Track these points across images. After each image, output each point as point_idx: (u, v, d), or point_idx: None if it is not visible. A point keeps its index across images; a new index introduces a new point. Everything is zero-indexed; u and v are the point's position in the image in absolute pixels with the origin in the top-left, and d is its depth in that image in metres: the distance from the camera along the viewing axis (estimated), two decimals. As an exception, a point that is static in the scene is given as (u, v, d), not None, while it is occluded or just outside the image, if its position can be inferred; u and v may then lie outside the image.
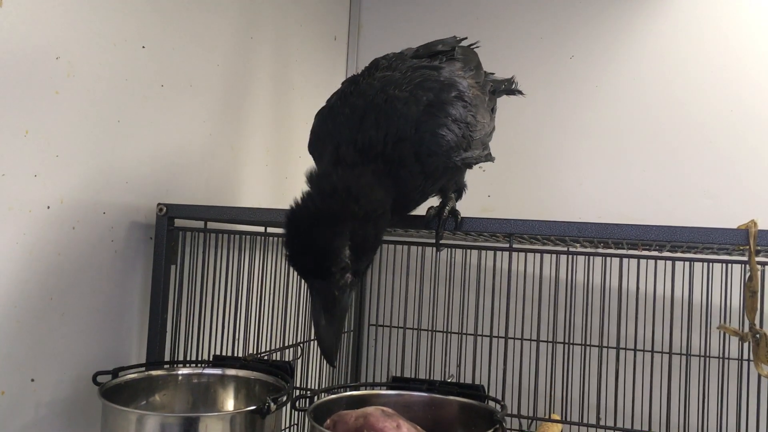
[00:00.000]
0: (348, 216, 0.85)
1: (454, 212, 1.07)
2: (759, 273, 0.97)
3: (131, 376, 1.08)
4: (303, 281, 0.93)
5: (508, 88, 1.33)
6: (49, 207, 1.07)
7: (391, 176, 0.93)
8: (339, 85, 1.11)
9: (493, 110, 1.19)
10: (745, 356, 1.08)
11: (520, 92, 1.35)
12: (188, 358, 1.25)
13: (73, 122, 1.11)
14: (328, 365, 1.04)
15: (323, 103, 1.09)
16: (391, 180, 0.93)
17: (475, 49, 1.24)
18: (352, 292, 0.90)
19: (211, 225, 1.28)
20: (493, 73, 1.29)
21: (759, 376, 1.00)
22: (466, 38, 1.23)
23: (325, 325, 0.87)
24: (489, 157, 1.13)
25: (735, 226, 0.98)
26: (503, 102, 1.90)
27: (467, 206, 1.17)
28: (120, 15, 1.19)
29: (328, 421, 0.96)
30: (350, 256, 0.86)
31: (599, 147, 1.88)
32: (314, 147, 1.04)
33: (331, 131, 0.98)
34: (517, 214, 1.70)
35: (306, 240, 0.85)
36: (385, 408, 0.99)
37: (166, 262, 1.24)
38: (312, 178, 0.91)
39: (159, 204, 1.24)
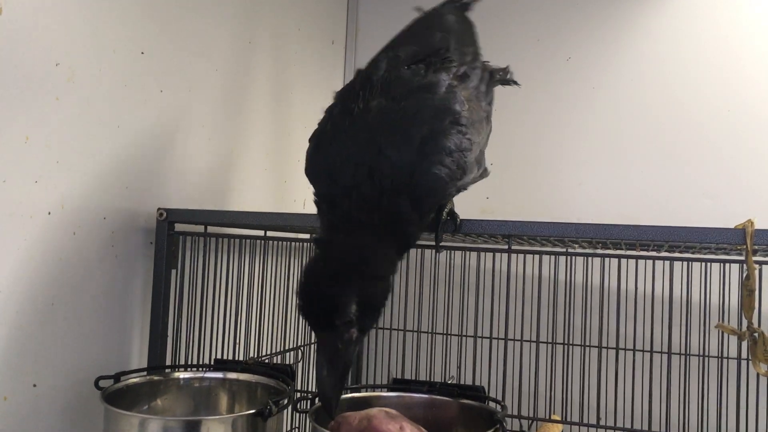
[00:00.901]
0: (356, 275, 0.89)
1: (452, 214, 1.08)
2: (756, 272, 0.98)
3: (133, 380, 1.08)
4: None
5: (503, 78, 1.30)
6: (50, 213, 1.08)
7: (388, 228, 0.94)
8: (338, 88, 1.10)
9: (490, 103, 1.16)
10: (744, 355, 1.09)
11: (515, 82, 1.33)
12: (189, 363, 1.26)
13: (74, 128, 1.11)
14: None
15: (322, 106, 1.09)
16: (389, 231, 0.94)
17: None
18: (357, 348, 0.92)
19: (212, 229, 1.29)
20: (488, 62, 1.28)
21: (757, 374, 1.00)
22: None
23: (326, 376, 0.89)
24: (484, 174, 1.13)
25: (733, 226, 0.99)
26: (502, 105, 1.91)
27: (466, 208, 1.18)
28: (119, 21, 1.20)
29: (332, 423, 0.96)
30: (356, 312, 0.88)
31: (598, 148, 1.89)
32: (310, 174, 1.03)
33: (326, 171, 0.98)
34: (516, 215, 1.70)
35: (315, 293, 0.89)
36: (388, 409, 0.99)
37: (167, 266, 1.25)
38: (320, 245, 0.95)
39: (159, 209, 1.24)
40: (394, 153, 0.93)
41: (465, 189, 1.07)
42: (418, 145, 0.94)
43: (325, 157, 0.99)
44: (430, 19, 1.16)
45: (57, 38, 1.08)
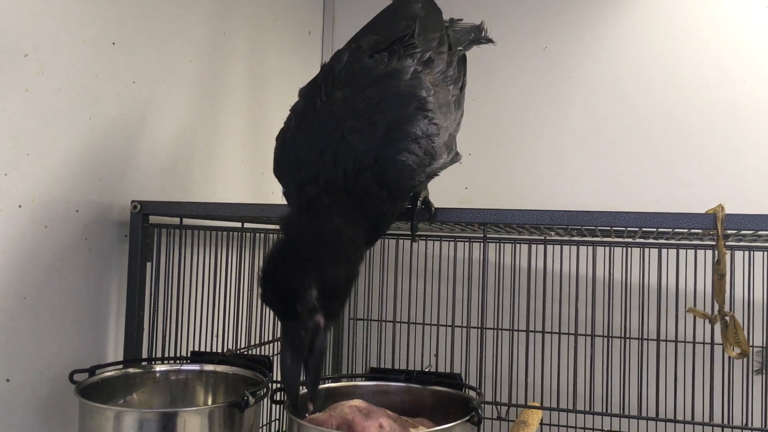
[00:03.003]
0: (316, 259, 0.86)
1: (427, 203, 1.08)
2: (727, 257, 0.99)
3: (108, 373, 1.08)
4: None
5: (477, 37, 1.29)
6: (20, 206, 1.06)
7: (358, 209, 0.93)
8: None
9: (461, 89, 1.15)
10: (715, 340, 1.10)
11: (490, 40, 1.31)
12: (166, 356, 1.25)
13: (44, 120, 1.10)
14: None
15: (298, 99, 1.08)
16: (359, 212, 0.93)
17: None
18: (325, 335, 0.89)
19: (187, 221, 1.28)
20: (461, 19, 1.25)
21: (729, 357, 1.02)
22: None
23: (290, 365, 0.86)
24: (456, 158, 1.12)
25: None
26: (480, 95, 1.91)
27: (445, 198, 1.18)
28: (89, 11, 1.18)
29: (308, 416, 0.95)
30: (318, 298, 0.85)
31: (575, 137, 1.90)
32: (278, 173, 1.02)
33: (293, 162, 0.97)
34: (495, 205, 1.71)
35: (275, 279, 0.86)
36: (362, 405, 0.98)
37: (142, 259, 1.24)
38: (283, 225, 0.92)
39: (133, 201, 1.23)
40: (357, 139, 0.93)
41: (436, 174, 1.07)
42: (384, 131, 0.94)
43: (290, 152, 0.98)
44: (395, 8, 1.15)
45: (25, 28, 1.06)
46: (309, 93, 1.02)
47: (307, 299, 0.84)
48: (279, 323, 0.90)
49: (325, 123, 0.96)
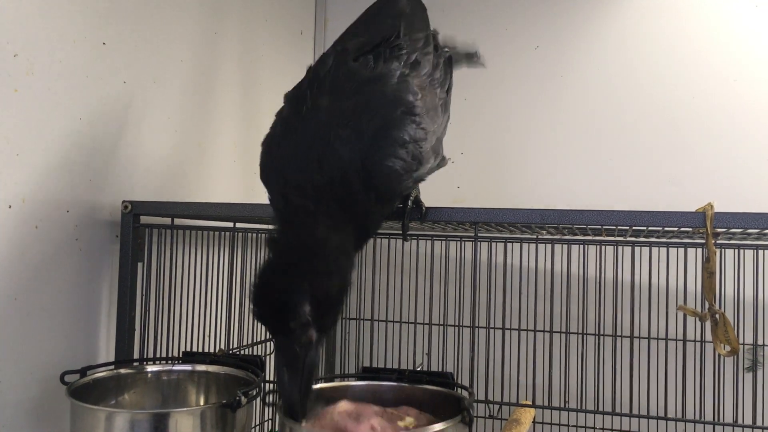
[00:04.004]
0: (307, 272, 0.85)
1: (418, 202, 1.08)
2: (716, 254, 1.00)
3: (100, 374, 1.07)
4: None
5: (470, 59, 1.28)
6: (10, 206, 1.06)
7: (346, 215, 0.91)
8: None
9: (447, 91, 1.14)
10: (705, 338, 1.11)
11: (481, 64, 1.30)
12: (158, 356, 1.25)
13: (34, 120, 1.09)
14: None
15: (284, 104, 1.07)
16: (347, 218, 0.91)
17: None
18: (318, 349, 0.89)
19: (179, 221, 1.28)
20: (446, 48, 1.23)
21: (718, 355, 1.02)
22: None
23: (288, 382, 0.86)
24: (442, 163, 1.10)
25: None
26: (472, 94, 1.91)
27: (437, 198, 1.18)
28: (79, 11, 1.18)
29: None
30: (311, 313, 0.84)
31: (566, 137, 1.91)
32: (264, 177, 1.01)
33: (279, 169, 0.95)
34: (487, 205, 1.72)
35: (267, 295, 0.85)
36: (349, 409, 0.98)
37: (133, 259, 1.23)
38: (271, 238, 0.90)
39: (124, 201, 1.23)
40: (344, 145, 0.91)
41: (423, 179, 1.06)
42: (371, 137, 0.92)
43: (276, 159, 0.96)
44: (381, 5, 1.12)
45: (15, 28, 1.05)
46: (294, 99, 1.01)
47: (300, 315, 0.83)
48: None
49: (311, 130, 0.94)
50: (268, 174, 0.98)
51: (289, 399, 0.86)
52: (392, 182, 0.94)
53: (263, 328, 1.49)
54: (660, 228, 1.06)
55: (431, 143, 1.00)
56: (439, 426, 0.86)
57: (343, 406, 0.99)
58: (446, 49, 1.18)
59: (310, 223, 0.89)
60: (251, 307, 0.86)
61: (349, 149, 0.91)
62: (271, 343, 1.51)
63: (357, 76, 0.97)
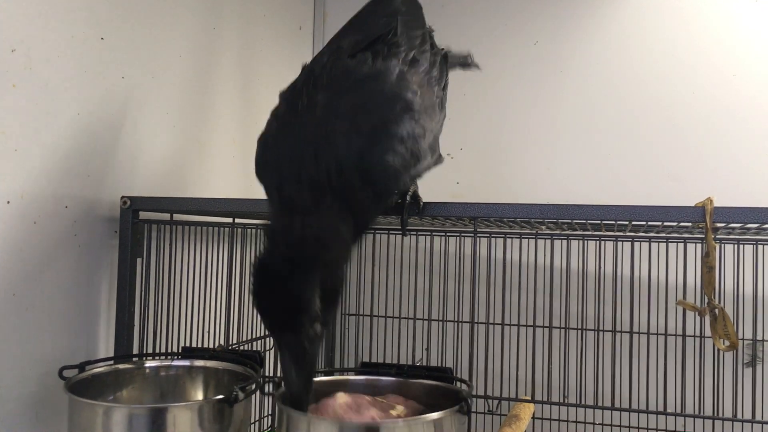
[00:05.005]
0: (318, 264, 0.84)
1: (416, 197, 1.08)
2: (715, 249, 0.99)
3: (98, 370, 1.07)
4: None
5: (464, 63, 1.27)
6: (9, 202, 1.06)
7: (345, 206, 0.90)
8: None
9: (443, 88, 1.13)
10: (704, 333, 1.11)
11: (476, 66, 1.30)
12: (157, 352, 1.25)
13: (32, 116, 1.09)
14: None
15: (279, 102, 1.07)
16: (347, 208, 0.90)
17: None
18: (321, 342, 0.88)
19: (178, 217, 1.28)
20: (442, 48, 1.25)
21: (717, 350, 1.02)
22: None
23: (295, 378, 0.85)
24: (439, 161, 1.10)
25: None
26: (471, 90, 1.91)
27: (436, 193, 1.18)
28: (78, 6, 1.17)
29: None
30: (320, 306, 0.84)
31: (566, 132, 1.90)
32: (260, 175, 0.99)
33: (274, 164, 0.95)
34: (486, 200, 1.72)
35: (277, 291, 0.83)
36: (349, 402, 0.98)
37: (132, 255, 1.23)
38: (274, 230, 0.88)
39: (123, 197, 1.23)
40: (341, 140, 0.90)
41: (420, 177, 1.05)
42: (368, 132, 0.91)
43: (272, 153, 0.96)
44: (376, 4, 1.11)
45: (12, 23, 1.05)
46: (290, 97, 1.00)
47: (313, 309, 0.82)
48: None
49: (308, 125, 0.93)
50: (264, 168, 0.97)
51: (297, 395, 0.86)
52: (390, 178, 0.93)
53: (261, 323, 1.49)
54: (659, 223, 1.06)
55: (429, 141, 1.00)
56: (436, 415, 0.87)
57: (342, 398, 0.99)
58: (442, 48, 1.18)
59: (312, 215, 0.88)
60: (254, 301, 0.84)
61: (346, 144, 0.90)
62: (270, 339, 1.52)
63: (354, 73, 0.97)
